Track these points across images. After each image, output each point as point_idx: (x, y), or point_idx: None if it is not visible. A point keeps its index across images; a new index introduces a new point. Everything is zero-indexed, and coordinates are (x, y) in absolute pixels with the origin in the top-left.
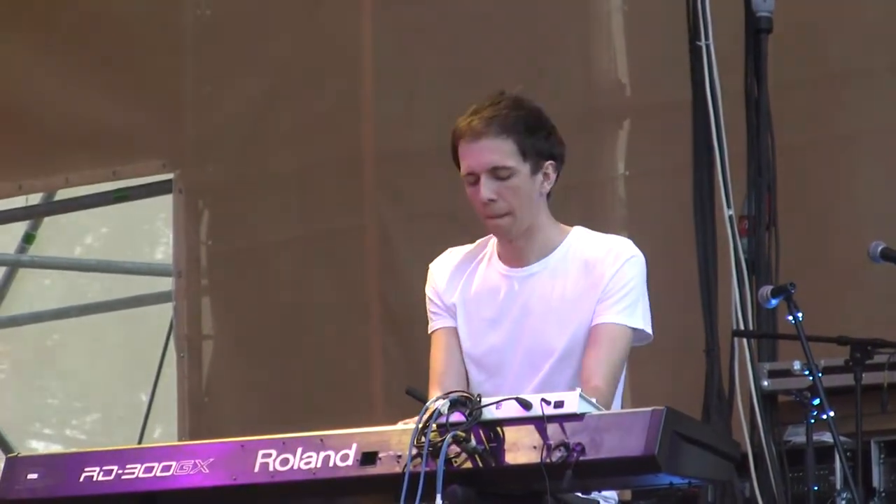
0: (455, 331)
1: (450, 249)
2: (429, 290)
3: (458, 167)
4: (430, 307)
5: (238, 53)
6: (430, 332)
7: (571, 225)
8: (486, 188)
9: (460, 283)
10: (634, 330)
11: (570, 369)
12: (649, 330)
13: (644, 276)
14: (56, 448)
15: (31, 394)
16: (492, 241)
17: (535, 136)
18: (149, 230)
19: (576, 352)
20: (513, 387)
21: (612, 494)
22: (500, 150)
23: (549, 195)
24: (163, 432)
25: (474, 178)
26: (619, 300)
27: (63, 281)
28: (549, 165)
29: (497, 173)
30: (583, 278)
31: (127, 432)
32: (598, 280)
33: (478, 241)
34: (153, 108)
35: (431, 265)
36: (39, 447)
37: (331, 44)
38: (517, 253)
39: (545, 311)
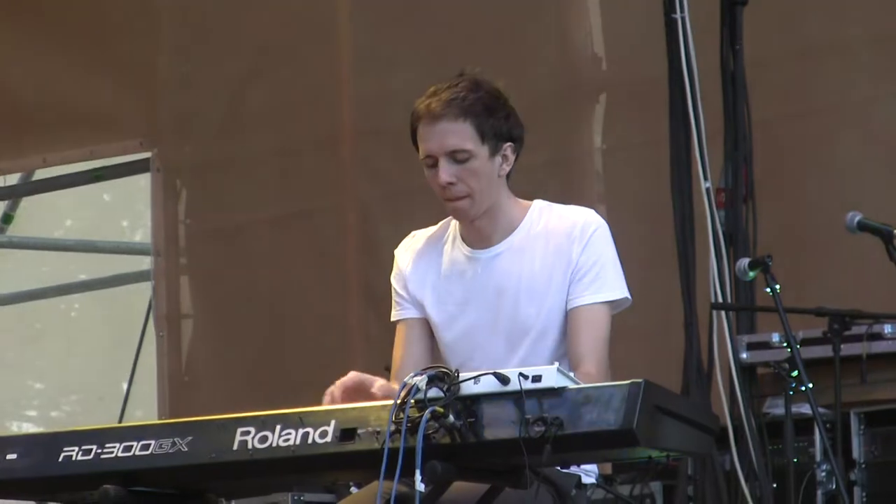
0: (418, 322)
1: (413, 233)
2: (393, 279)
3: (417, 148)
4: (394, 295)
5: (215, 32)
6: (392, 319)
7: (548, 198)
8: (445, 171)
9: (427, 270)
10: (612, 302)
11: (547, 349)
12: (627, 295)
13: (611, 243)
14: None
15: (13, 376)
16: (454, 222)
17: (494, 117)
18: (128, 210)
19: (552, 330)
20: (487, 367)
21: (592, 468)
22: (458, 133)
23: (508, 175)
24: (145, 412)
25: (433, 161)
26: (592, 279)
27: (42, 261)
28: (507, 147)
29: (456, 156)
30: (549, 253)
31: (109, 412)
32: (566, 256)
33: (440, 223)
34: (130, 88)
35: (396, 251)
36: (23, 430)
37: (308, 22)
38: (480, 234)
39: (516, 289)
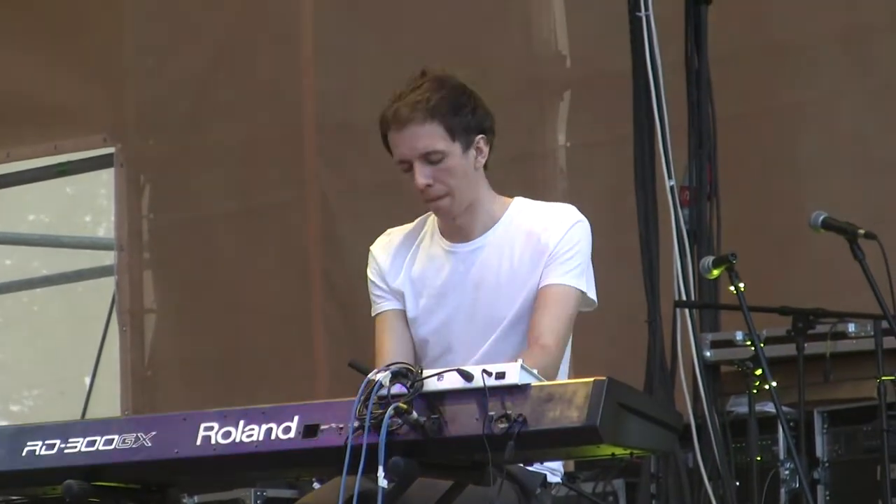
0: (400, 313)
1: (388, 231)
2: (371, 274)
3: (391, 153)
4: (372, 290)
5: (179, 26)
6: (373, 314)
7: (512, 197)
8: (421, 174)
9: (404, 264)
10: (582, 291)
11: (517, 336)
12: (594, 296)
13: (589, 242)
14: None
15: None
16: (431, 218)
17: (461, 114)
18: (90, 205)
19: (524, 318)
20: (462, 359)
21: (557, 466)
22: (428, 136)
23: (485, 166)
24: (107, 407)
25: (408, 166)
26: (565, 262)
27: (5, 255)
28: (480, 139)
29: (429, 157)
30: (528, 248)
31: (71, 407)
32: (545, 248)
33: (416, 220)
34: (94, 82)
35: (372, 248)
36: None
37: (272, 16)
38: (460, 229)
39: (495, 284)
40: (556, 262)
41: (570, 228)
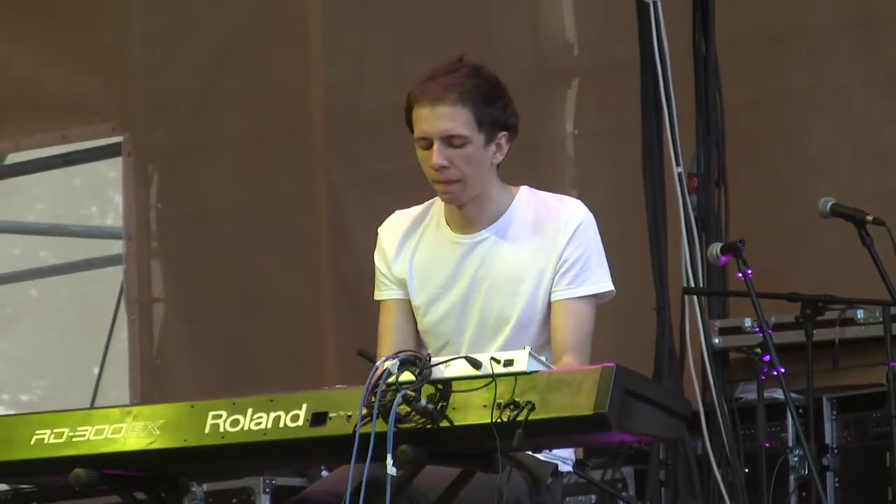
0: (402, 302)
1: (396, 213)
2: (377, 258)
3: (411, 129)
4: (377, 274)
5: (188, 16)
6: (376, 298)
7: (520, 184)
8: (439, 155)
9: (409, 252)
10: (596, 295)
11: (529, 339)
12: (611, 287)
13: (597, 235)
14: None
15: None
16: (438, 204)
17: (492, 106)
18: (97, 195)
19: (534, 321)
20: (465, 353)
21: (568, 455)
22: (456, 119)
23: (499, 165)
24: (116, 396)
25: (427, 143)
26: (577, 273)
27: (13, 245)
28: (502, 136)
29: (451, 141)
30: (533, 242)
31: (80, 396)
32: (551, 247)
33: (424, 204)
34: (102, 72)
35: (380, 230)
36: None
37: (281, 6)
38: (466, 219)
39: (498, 277)
40: (567, 273)
41: (576, 232)
